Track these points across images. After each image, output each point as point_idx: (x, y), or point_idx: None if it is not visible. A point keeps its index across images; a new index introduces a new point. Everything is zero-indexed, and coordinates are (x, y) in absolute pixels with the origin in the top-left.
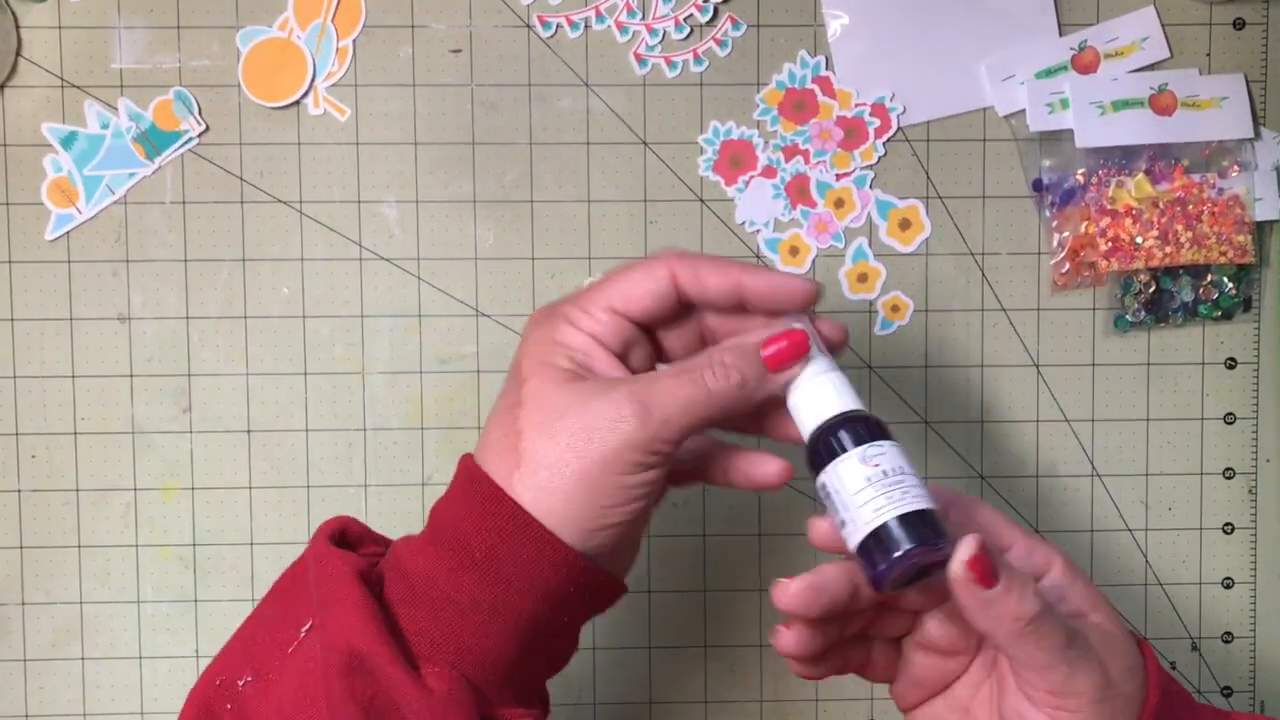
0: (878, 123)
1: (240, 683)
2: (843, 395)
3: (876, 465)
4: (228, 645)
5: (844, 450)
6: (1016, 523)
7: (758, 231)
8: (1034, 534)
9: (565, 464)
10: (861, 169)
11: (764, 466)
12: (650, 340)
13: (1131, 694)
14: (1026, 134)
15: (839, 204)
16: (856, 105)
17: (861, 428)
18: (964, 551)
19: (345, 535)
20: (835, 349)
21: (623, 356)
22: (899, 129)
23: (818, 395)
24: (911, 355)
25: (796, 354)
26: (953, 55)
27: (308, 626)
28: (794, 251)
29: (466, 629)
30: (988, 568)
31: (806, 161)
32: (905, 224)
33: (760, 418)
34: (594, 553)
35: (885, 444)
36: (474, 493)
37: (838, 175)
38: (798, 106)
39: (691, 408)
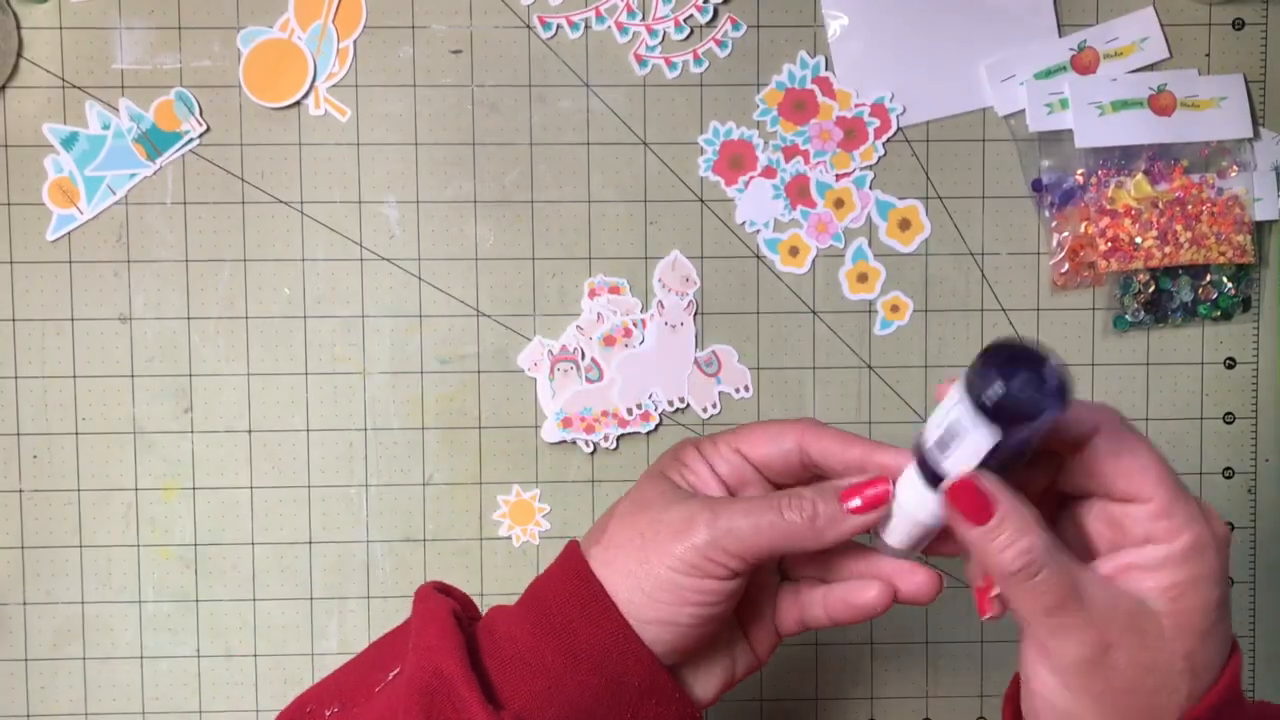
0: (877, 123)
1: (327, 713)
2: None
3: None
4: (323, 680)
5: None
6: (1166, 478)
7: (758, 231)
8: (1180, 499)
9: (633, 547)
10: (861, 169)
11: (865, 592)
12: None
13: (1163, 688)
14: (1026, 134)
15: (839, 204)
16: (856, 105)
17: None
18: (951, 482)
19: (450, 593)
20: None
21: (732, 490)
22: (899, 129)
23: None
24: (911, 355)
25: (874, 504)
26: (952, 56)
27: (396, 671)
28: (794, 252)
29: (537, 690)
30: (975, 504)
31: (806, 162)
32: (905, 224)
33: (830, 564)
34: (659, 650)
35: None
36: (563, 563)
37: (837, 175)
38: (797, 107)
39: (759, 528)
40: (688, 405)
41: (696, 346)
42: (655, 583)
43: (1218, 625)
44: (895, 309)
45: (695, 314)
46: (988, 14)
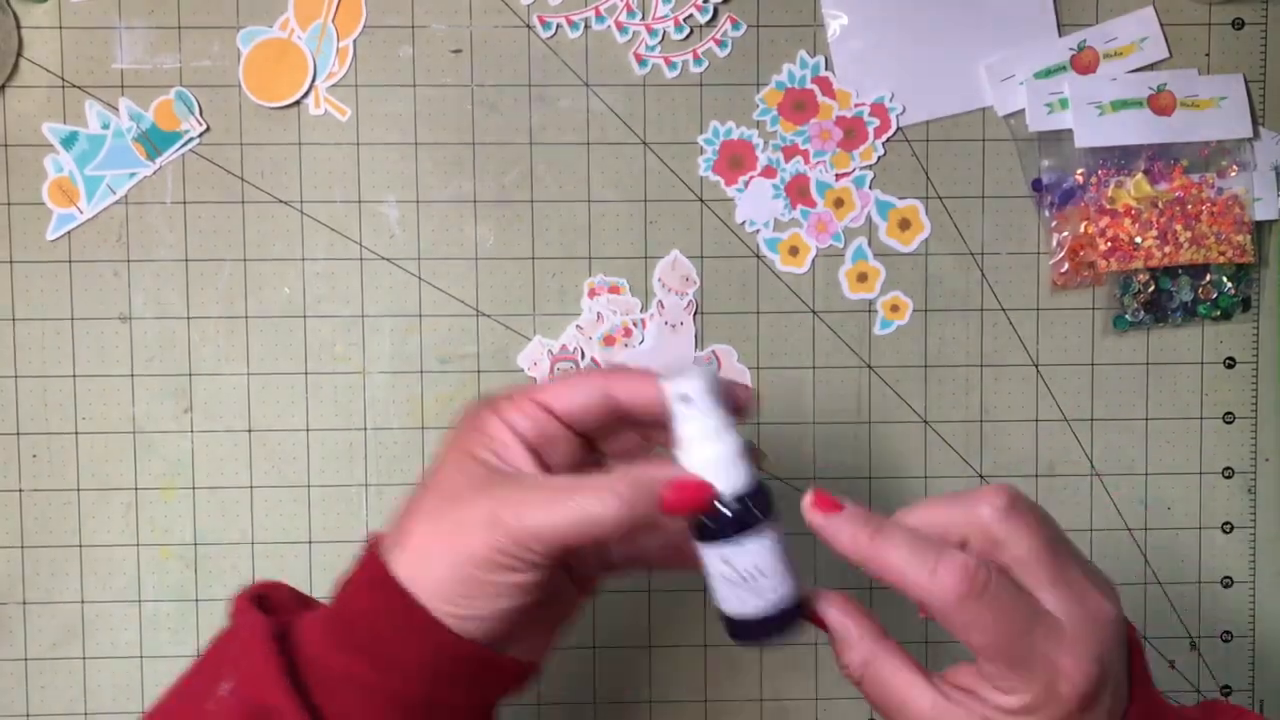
0: (877, 123)
1: None
2: (724, 472)
3: (728, 564)
4: (146, 714)
5: (705, 539)
6: (1006, 645)
7: (757, 231)
8: (1017, 661)
9: (438, 550)
10: (861, 169)
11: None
12: (591, 447)
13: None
14: (1026, 134)
15: (839, 204)
16: (856, 105)
17: (729, 520)
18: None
19: (267, 601)
20: (740, 411)
21: (539, 450)
22: (898, 129)
23: (702, 468)
24: (911, 355)
25: (696, 507)
26: (952, 55)
27: (228, 686)
28: (794, 251)
29: (353, 707)
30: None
31: (806, 161)
32: (905, 224)
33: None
34: (481, 638)
35: (746, 541)
36: (367, 572)
37: (837, 175)
38: (797, 106)
39: (564, 528)
40: None
41: (696, 346)
42: (466, 585)
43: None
44: (895, 309)
45: (695, 314)
46: (988, 14)
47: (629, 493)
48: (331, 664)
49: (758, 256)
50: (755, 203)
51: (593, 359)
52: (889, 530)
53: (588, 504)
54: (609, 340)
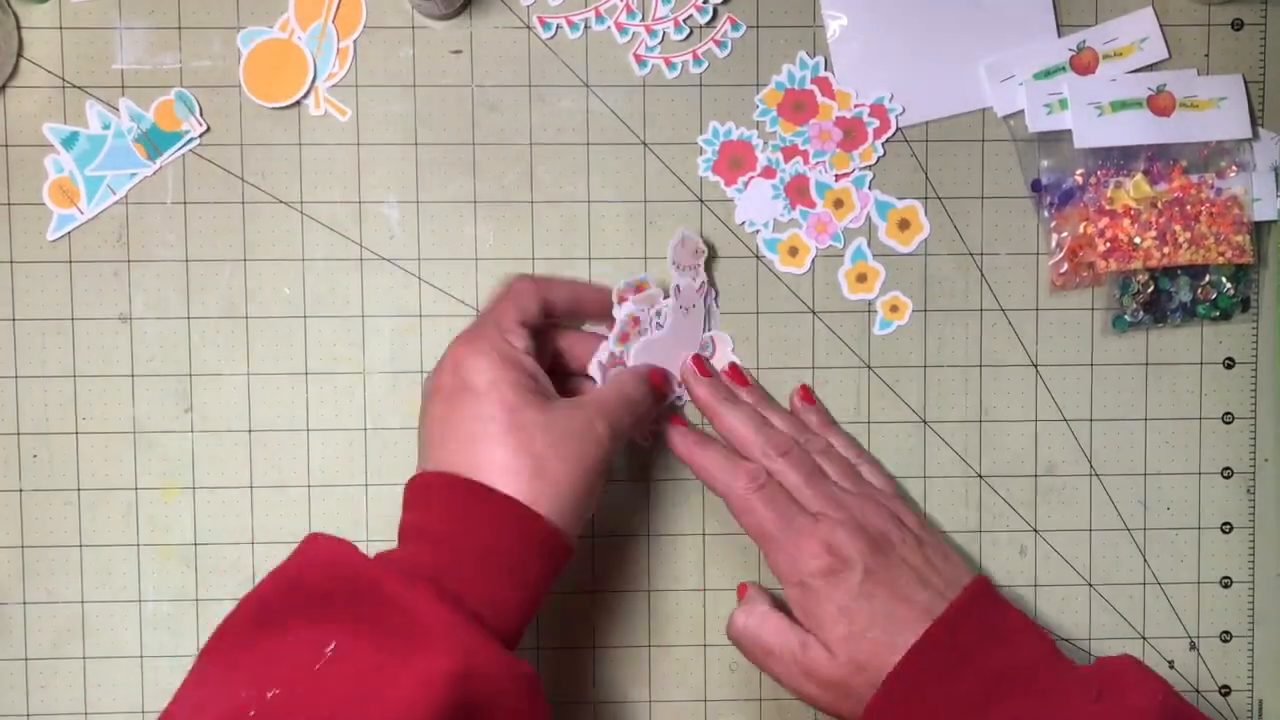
0: (877, 123)
1: (269, 695)
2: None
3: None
4: (232, 674)
5: None
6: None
7: (757, 232)
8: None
9: (572, 476)
10: (860, 169)
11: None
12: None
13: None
14: (1025, 134)
15: (838, 204)
16: (855, 106)
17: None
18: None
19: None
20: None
21: (536, 358)
22: (898, 129)
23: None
24: (911, 355)
25: (668, 383)
26: (952, 56)
27: (331, 647)
28: (793, 252)
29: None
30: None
31: (806, 162)
32: (904, 224)
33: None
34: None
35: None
36: (489, 506)
37: (837, 176)
38: (797, 107)
39: (634, 417)
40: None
41: (707, 329)
42: (593, 497)
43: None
44: (894, 309)
45: (708, 296)
46: (987, 14)
47: (638, 381)
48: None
49: (757, 257)
50: (755, 203)
51: (612, 356)
52: (709, 442)
53: (633, 392)
54: (624, 338)
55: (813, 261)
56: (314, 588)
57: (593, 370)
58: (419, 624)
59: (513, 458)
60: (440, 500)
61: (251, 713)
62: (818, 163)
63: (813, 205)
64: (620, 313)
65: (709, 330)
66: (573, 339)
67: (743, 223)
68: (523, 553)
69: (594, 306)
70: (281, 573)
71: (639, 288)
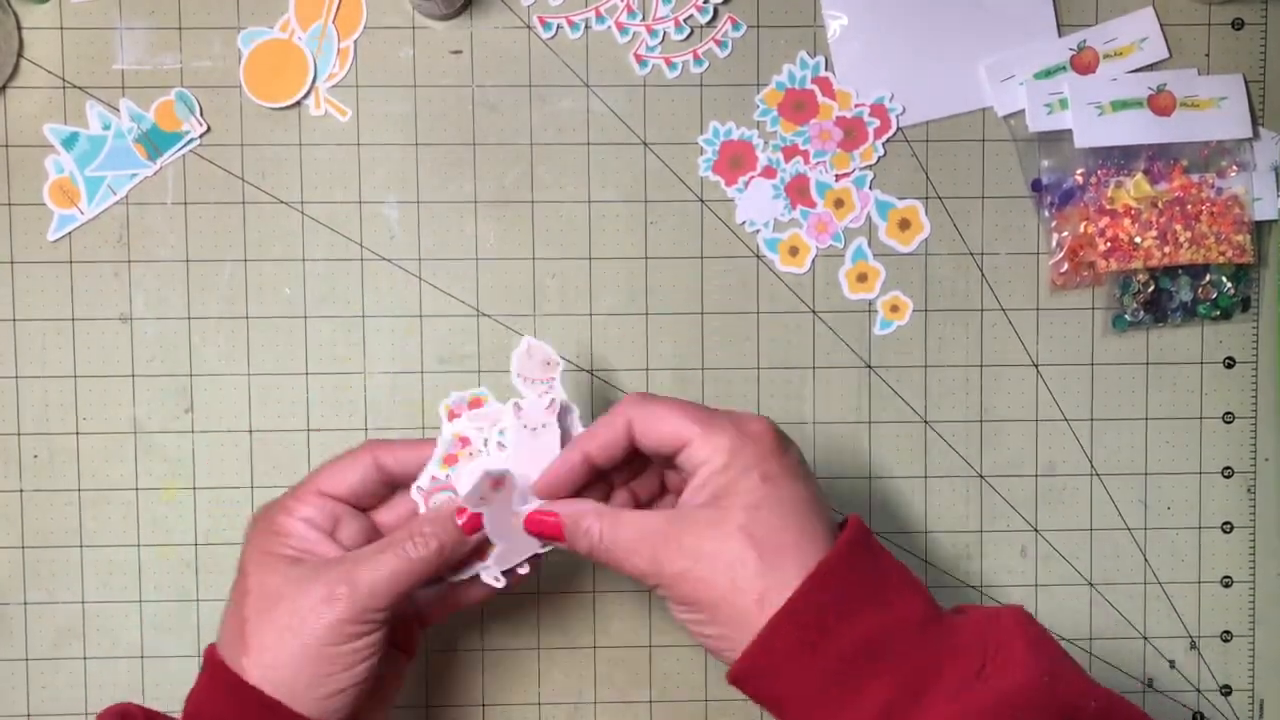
0: (877, 123)
1: None
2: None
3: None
4: None
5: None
6: (699, 415)
7: (757, 232)
8: (717, 423)
9: (285, 644)
10: (861, 169)
11: (472, 591)
12: (366, 516)
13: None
14: (1026, 134)
15: (839, 204)
16: (856, 106)
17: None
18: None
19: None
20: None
21: (334, 532)
22: (898, 129)
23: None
24: (911, 355)
25: (480, 523)
26: (952, 56)
27: None
28: (794, 252)
29: None
30: (551, 533)
31: (806, 162)
32: (905, 224)
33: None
34: (335, 716)
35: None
36: (216, 680)
37: (837, 175)
38: (797, 107)
39: (396, 576)
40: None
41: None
42: (321, 666)
43: (768, 499)
44: (895, 309)
45: (566, 415)
46: (987, 14)
47: (432, 528)
48: None
49: (758, 257)
50: (755, 203)
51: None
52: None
53: (409, 549)
54: (450, 459)
55: (813, 261)
56: None
57: (414, 496)
58: None
59: (232, 625)
60: (201, 670)
61: None
62: (818, 162)
63: (813, 205)
64: (446, 431)
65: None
66: (401, 452)
67: (743, 222)
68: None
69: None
70: None
71: (474, 402)
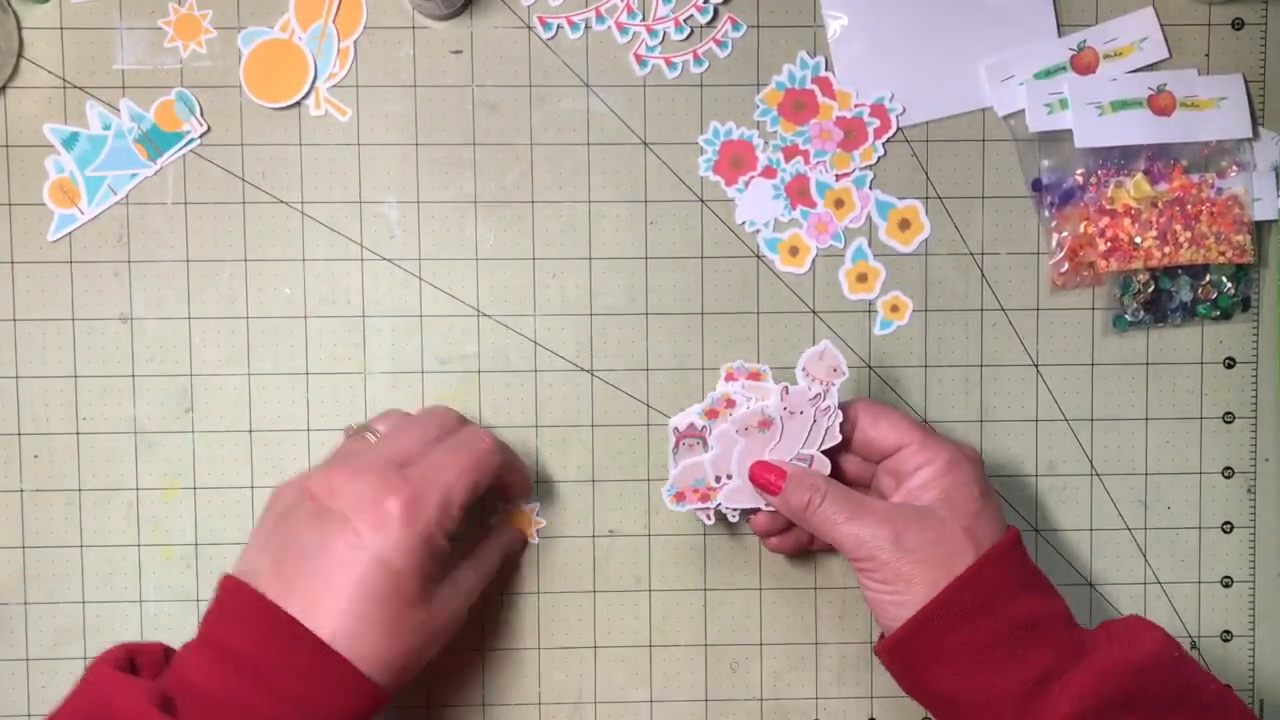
0: (877, 123)
1: None
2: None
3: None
4: None
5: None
6: (917, 426)
7: (758, 231)
8: (932, 436)
9: (412, 663)
10: (861, 169)
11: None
12: None
13: (953, 553)
14: (1025, 134)
15: (839, 204)
16: (856, 106)
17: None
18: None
19: (135, 663)
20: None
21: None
22: (898, 129)
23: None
24: (911, 355)
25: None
26: (952, 56)
27: None
28: (794, 251)
29: None
30: (766, 483)
31: (806, 162)
32: (905, 224)
33: None
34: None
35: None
36: (258, 615)
37: (837, 175)
38: (797, 107)
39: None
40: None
41: (811, 447)
42: (423, 653)
43: (984, 510)
44: (895, 309)
45: (829, 416)
46: (987, 14)
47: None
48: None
49: (758, 257)
50: (755, 203)
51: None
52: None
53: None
54: (711, 413)
55: (813, 261)
56: None
57: (669, 431)
58: None
59: (384, 648)
60: (263, 638)
61: None
62: (818, 162)
63: (813, 205)
64: (719, 389)
65: (813, 448)
66: (515, 476)
67: (743, 222)
68: (336, 706)
69: (524, 489)
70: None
71: (752, 375)
